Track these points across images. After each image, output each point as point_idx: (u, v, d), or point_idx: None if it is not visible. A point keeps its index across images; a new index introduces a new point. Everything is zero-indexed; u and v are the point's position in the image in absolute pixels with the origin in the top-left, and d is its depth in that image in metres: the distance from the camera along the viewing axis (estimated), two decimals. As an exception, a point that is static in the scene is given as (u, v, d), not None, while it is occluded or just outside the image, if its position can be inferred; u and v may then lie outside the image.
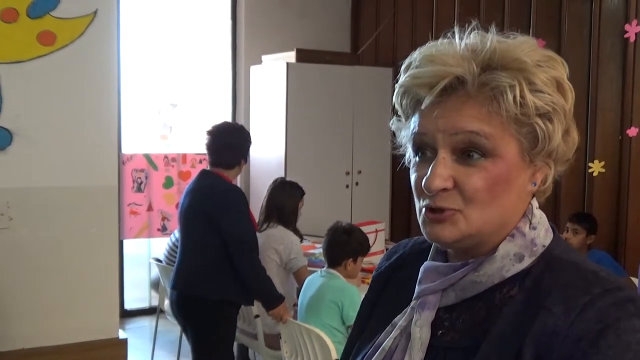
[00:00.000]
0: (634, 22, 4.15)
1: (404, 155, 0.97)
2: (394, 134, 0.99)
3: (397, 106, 0.94)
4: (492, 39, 0.89)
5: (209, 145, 3.46)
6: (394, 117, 0.97)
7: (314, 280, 3.37)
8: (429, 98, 0.88)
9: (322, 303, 3.22)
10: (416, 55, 0.91)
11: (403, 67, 0.93)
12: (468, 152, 0.87)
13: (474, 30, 0.92)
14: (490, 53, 0.87)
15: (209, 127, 3.51)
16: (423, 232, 0.92)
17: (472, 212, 0.88)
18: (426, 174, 0.88)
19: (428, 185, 0.87)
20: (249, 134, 3.60)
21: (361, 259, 3.41)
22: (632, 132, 4.20)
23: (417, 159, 0.92)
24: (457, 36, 0.91)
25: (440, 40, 0.92)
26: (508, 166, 0.87)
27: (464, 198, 0.87)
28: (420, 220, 0.92)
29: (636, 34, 4.14)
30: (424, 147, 0.90)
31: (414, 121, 0.91)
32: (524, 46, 0.88)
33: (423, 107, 0.89)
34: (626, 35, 4.20)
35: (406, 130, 0.94)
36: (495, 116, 0.86)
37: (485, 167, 0.87)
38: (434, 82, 0.87)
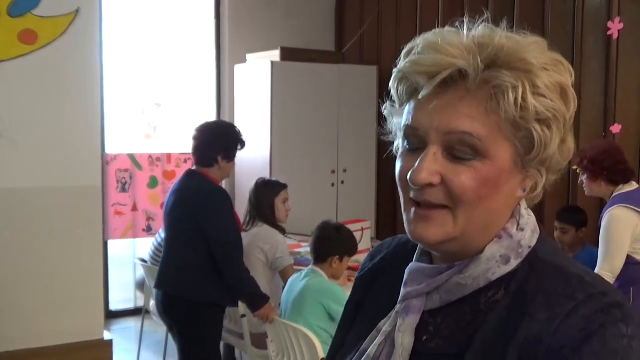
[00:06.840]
0: (617, 19, 4.17)
1: (392, 142, 0.94)
2: (384, 120, 0.95)
3: (392, 91, 0.90)
4: (501, 35, 0.85)
5: (192, 145, 3.44)
6: (387, 102, 0.93)
7: (297, 281, 3.33)
8: (427, 88, 0.84)
9: (305, 304, 3.19)
10: (419, 41, 0.87)
11: (404, 51, 0.89)
12: (459, 150, 0.84)
13: (484, 23, 0.88)
14: (498, 50, 0.83)
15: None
16: (407, 230, 0.89)
17: (459, 213, 0.85)
18: (413, 166, 0.85)
19: (414, 178, 0.85)
20: (231, 131, 3.47)
21: (347, 260, 3.37)
22: (615, 128, 4.22)
23: (406, 149, 0.89)
24: (465, 27, 0.87)
25: (447, 28, 0.89)
26: (498, 169, 0.85)
27: (451, 196, 0.85)
28: (405, 216, 0.89)
29: (619, 30, 4.17)
30: (414, 139, 0.87)
31: (407, 111, 0.88)
32: (533, 47, 0.85)
33: (420, 96, 0.85)
34: (609, 32, 4.22)
35: (398, 118, 0.91)
36: (492, 115, 0.83)
37: (474, 167, 0.84)
38: (434, 72, 0.84)
